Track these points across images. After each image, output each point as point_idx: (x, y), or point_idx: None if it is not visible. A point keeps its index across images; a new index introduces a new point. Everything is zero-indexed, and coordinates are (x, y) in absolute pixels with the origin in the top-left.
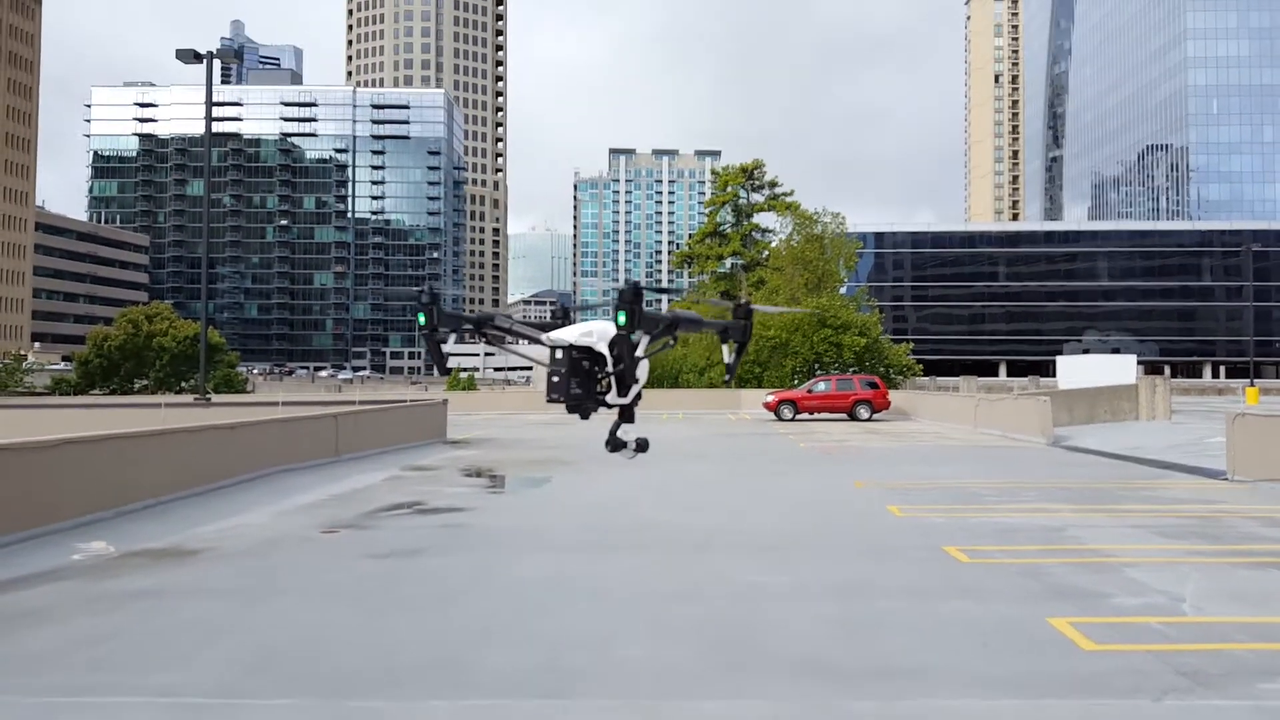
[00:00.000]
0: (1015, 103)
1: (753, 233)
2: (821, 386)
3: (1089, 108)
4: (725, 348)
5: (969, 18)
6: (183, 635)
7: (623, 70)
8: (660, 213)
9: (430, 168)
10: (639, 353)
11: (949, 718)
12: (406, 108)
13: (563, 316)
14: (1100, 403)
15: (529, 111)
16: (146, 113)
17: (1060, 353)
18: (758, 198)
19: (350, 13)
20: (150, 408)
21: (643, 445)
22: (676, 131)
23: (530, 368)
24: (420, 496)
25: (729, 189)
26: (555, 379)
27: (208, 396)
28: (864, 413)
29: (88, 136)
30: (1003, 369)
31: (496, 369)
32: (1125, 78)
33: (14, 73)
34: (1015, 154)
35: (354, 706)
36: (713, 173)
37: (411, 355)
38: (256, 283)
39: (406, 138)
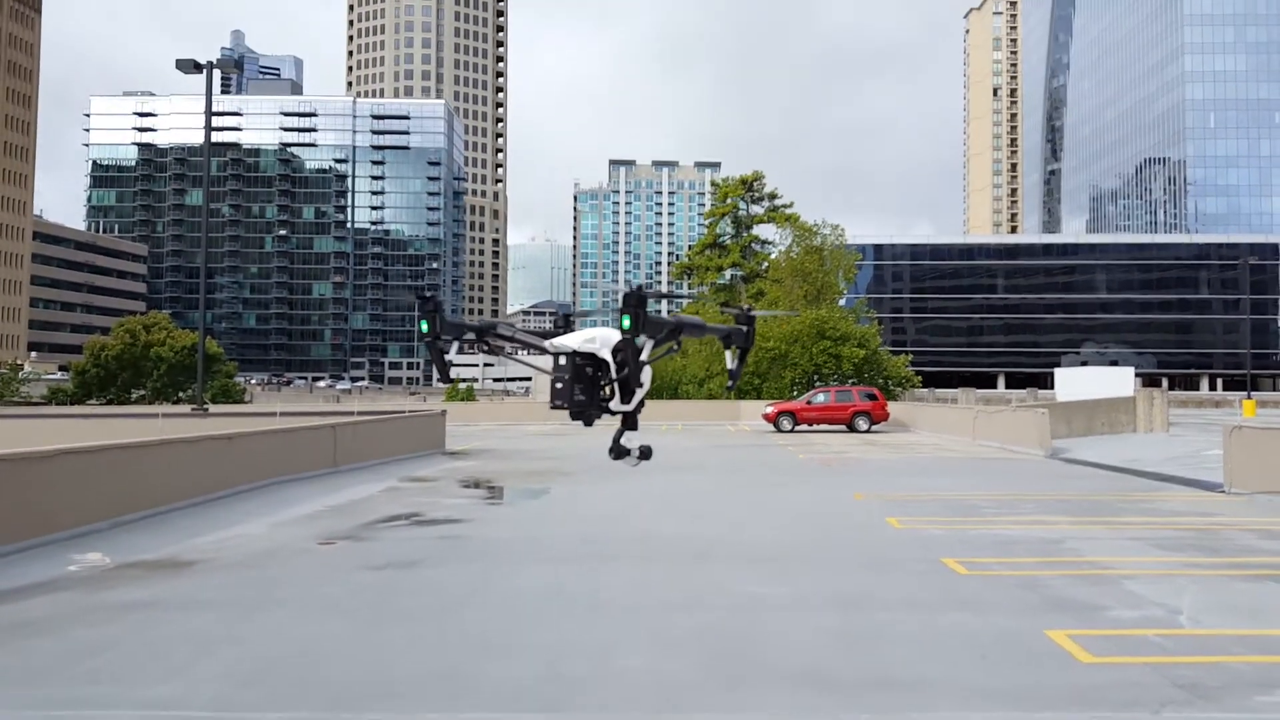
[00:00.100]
0: (1014, 116)
1: (752, 244)
2: (820, 398)
3: (1087, 121)
4: (728, 354)
5: (968, 31)
6: (179, 647)
7: (623, 81)
8: (660, 224)
9: (430, 178)
10: (643, 357)
11: None
12: (407, 118)
13: (564, 324)
14: (1098, 415)
15: (529, 122)
16: (146, 122)
17: (1058, 365)
18: (757, 209)
19: (351, 23)
20: (147, 418)
21: (646, 453)
22: (676, 142)
23: (529, 378)
24: (418, 508)
25: (729, 200)
26: (559, 385)
27: (205, 407)
28: (863, 424)
29: (86, 145)
30: (1001, 381)
31: (495, 379)
32: (1123, 91)
33: (13, 81)
34: (1014, 167)
35: (350, 719)
36: (712, 184)
37: (410, 366)
38: (255, 293)
39: (406, 148)
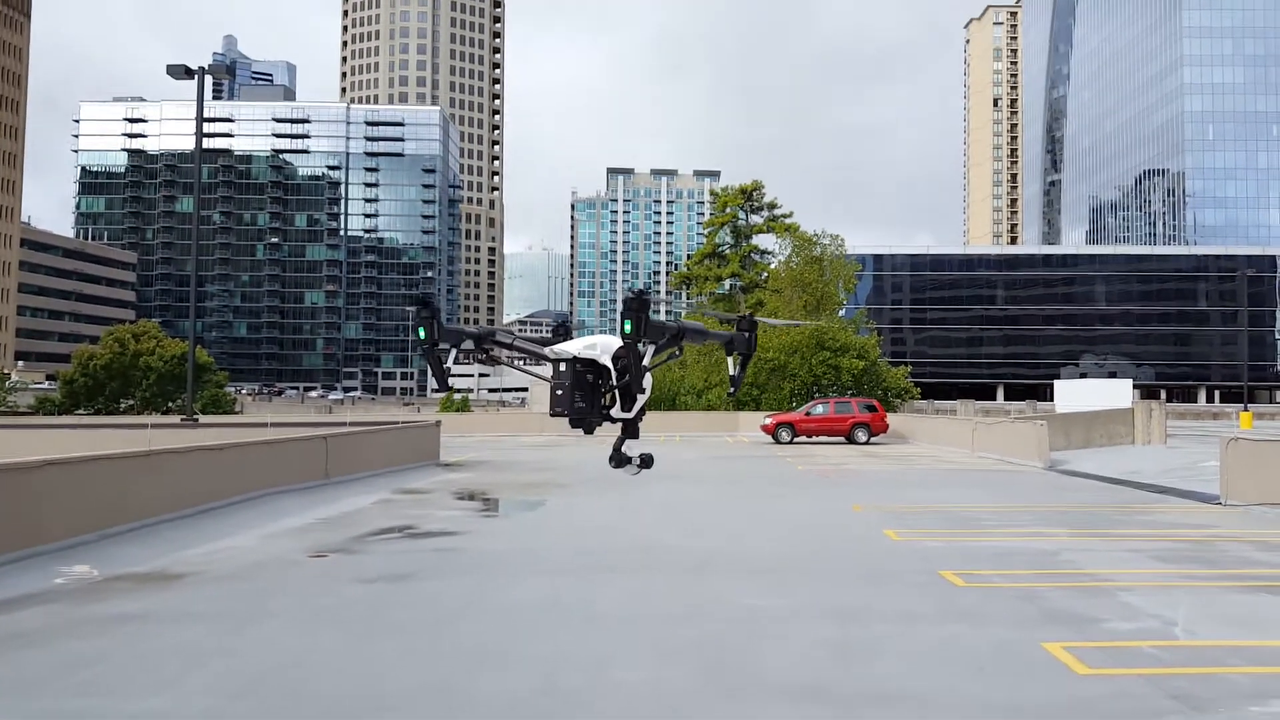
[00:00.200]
0: (1014, 126)
1: (752, 254)
2: (819, 409)
3: (1087, 132)
4: (730, 360)
5: (968, 41)
6: (168, 660)
7: (621, 89)
8: (659, 233)
9: (425, 185)
10: (644, 363)
11: None
12: (401, 125)
13: (564, 333)
14: (1096, 427)
15: (526, 130)
16: (136, 128)
17: (1057, 376)
18: (757, 219)
19: (345, 28)
20: (136, 428)
21: (647, 461)
22: (675, 150)
23: (526, 389)
24: (412, 520)
25: (728, 210)
26: (559, 392)
27: (195, 417)
28: (862, 436)
29: (76, 152)
30: (1000, 392)
31: (491, 390)
32: (1123, 103)
33: (2, 87)
34: (1014, 177)
35: None
36: (711, 193)
37: (404, 376)
38: (246, 301)
39: (401, 155)
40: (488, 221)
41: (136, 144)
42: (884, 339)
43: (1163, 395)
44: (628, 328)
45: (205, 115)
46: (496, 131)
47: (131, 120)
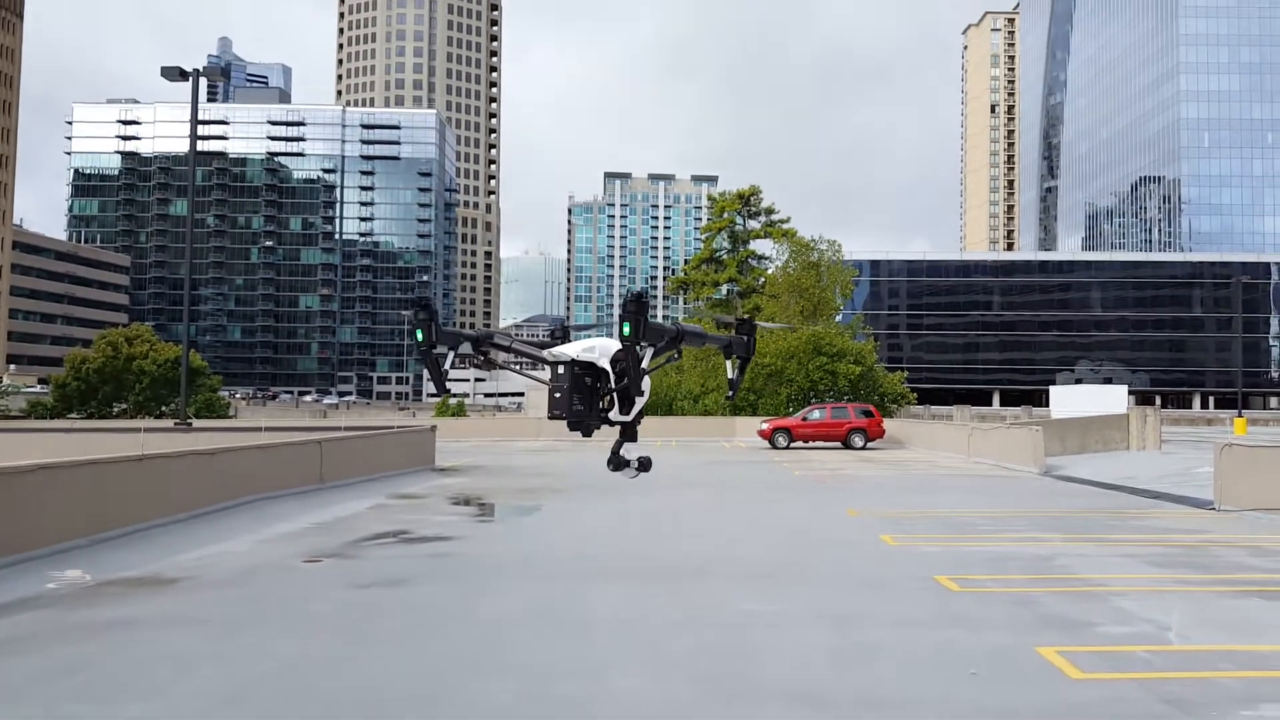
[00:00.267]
0: (1011, 133)
1: (749, 259)
2: (816, 415)
3: (1084, 139)
4: (729, 364)
5: (966, 48)
6: (160, 666)
7: (618, 93)
8: (656, 238)
9: (421, 189)
10: (643, 366)
11: None
12: (397, 128)
13: (562, 335)
14: (1091, 432)
15: (523, 134)
16: (129, 130)
17: (1053, 382)
18: (754, 224)
19: (341, 30)
20: (129, 432)
21: (645, 464)
22: (672, 155)
23: (522, 393)
24: (406, 525)
25: (725, 215)
26: (557, 395)
27: (188, 421)
28: (858, 441)
29: (68, 154)
30: (996, 398)
31: (487, 395)
32: (1119, 110)
33: None
34: (1011, 183)
35: None
36: (709, 198)
37: (399, 380)
38: (240, 305)
39: (397, 158)
40: (484, 225)
41: (130, 146)
42: (881, 344)
43: (1157, 401)
44: (626, 330)
45: (200, 117)
46: (493, 135)
47: (125, 122)
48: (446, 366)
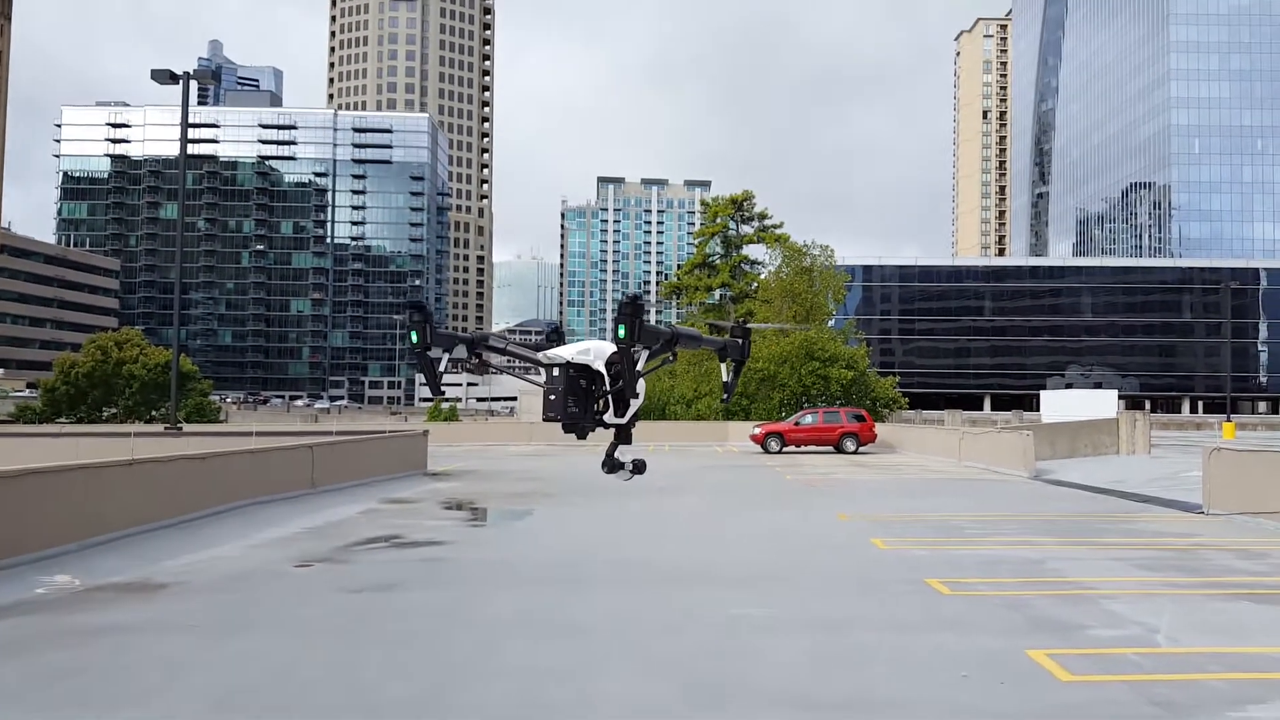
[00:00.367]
0: (1003, 139)
1: (742, 264)
2: (808, 419)
3: (1075, 145)
4: (723, 366)
5: (958, 54)
6: (150, 671)
7: (612, 98)
8: (649, 243)
9: (413, 193)
10: (638, 368)
11: None
12: (389, 131)
13: (557, 338)
14: (1082, 437)
15: (516, 138)
16: (119, 133)
17: (1044, 387)
18: (747, 229)
19: (333, 34)
20: (119, 437)
21: (639, 467)
22: (666, 160)
23: (514, 398)
24: (398, 530)
25: (718, 220)
26: (552, 397)
27: (179, 426)
28: (850, 445)
29: (57, 157)
30: (987, 403)
31: (480, 399)
32: (1110, 116)
33: None
34: (1002, 189)
35: None
36: (702, 203)
37: (391, 385)
38: (231, 309)
39: (389, 162)
40: (476, 230)
41: (120, 149)
42: (873, 349)
43: (1147, 406)
44: (622, 332)
45: (190, 121)
46: (486, 139)
47: (115, 125)
48: (441, 369)
